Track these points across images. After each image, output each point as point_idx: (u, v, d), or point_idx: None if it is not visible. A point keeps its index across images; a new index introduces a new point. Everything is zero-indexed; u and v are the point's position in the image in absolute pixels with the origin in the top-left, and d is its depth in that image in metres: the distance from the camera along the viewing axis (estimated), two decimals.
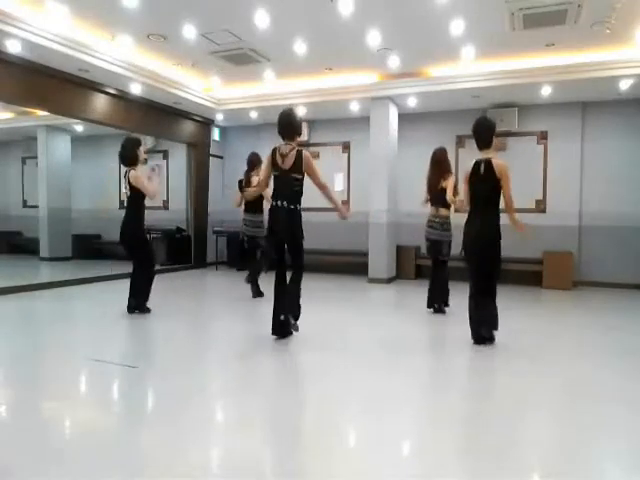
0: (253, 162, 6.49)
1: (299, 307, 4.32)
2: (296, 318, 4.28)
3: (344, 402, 2.99)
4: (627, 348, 4.31)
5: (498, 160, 4.05)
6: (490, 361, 4.02)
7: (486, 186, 4.02)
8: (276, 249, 4.27)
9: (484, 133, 4.17)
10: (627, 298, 7.00)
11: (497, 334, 4.29)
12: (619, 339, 4.63)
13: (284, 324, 4.23)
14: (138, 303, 5.26)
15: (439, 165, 5.45)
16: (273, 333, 4.25)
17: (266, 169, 4.33)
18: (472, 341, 4.23)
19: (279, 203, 4.11)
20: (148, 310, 5.29)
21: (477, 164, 4.08)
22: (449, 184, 5.31)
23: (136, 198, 5.16)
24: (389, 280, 8.30)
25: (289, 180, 4.11)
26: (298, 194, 4.17)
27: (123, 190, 5.21)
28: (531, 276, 7.89)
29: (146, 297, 5.31)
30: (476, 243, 4.08)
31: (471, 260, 4.18)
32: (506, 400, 3.08)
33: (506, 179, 3.99)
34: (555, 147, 8.14)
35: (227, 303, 6.50)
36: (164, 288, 7.64)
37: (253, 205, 6.29)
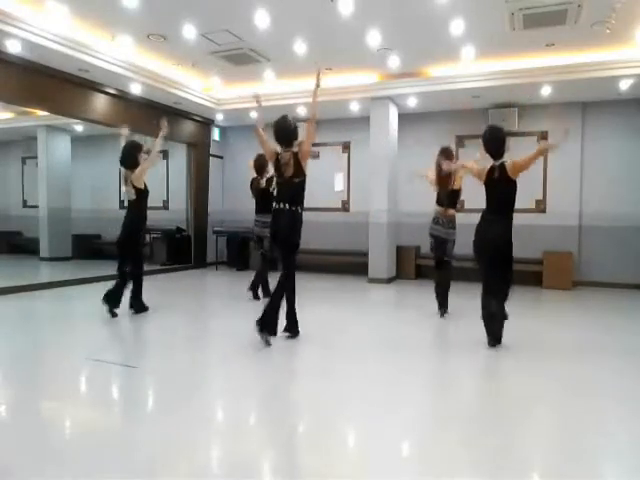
0: (262, 165, 6.35)
1: (276, 324, 4.22)
2: (274, 333, 4.21)
3: (345, 401, 2.99)
4: (627, 348, 4.31)
5: (511, 161, 4.07)
6: (490, 361, 4.02)
7: (502, 190, 4.08)
8: (276, 250, 4.42)
9: (495, 145, 4.14)
10: (627, 298, 7.00)
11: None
12: (619, 339, 4.63)
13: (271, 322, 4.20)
14: (136, 304, 5.35)
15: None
16: (257, 324, 4.12)
17: (267, 150, 4.47)
18: (485, 340, 4.20)
19: (281, 205, 4.27)
20: (115, 315, 5.19)
21: (492, 169, 4.13)
22: (460, 178, 5.27)
23: (139, 200, 5.22)
24: (389, 280, 8.30)
25: (291, 186, 4.30)
26: (299, 197, 4.33)
27: (123, 192, 5.21)
28: (531, 276, 7.88)
29: (119, 300, 5.20)
30: (492, 244, 4.09)
31: (484, 261, 4.18)
32: (506, 400, 3.08)
33: (520, 164, 4.00)
34: None
35: (227, 303, 6.50)
36: (164, 288, 7.64)
37: (264, 206, 6.27)
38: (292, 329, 4.46)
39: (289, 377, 3.59)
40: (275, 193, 4.45)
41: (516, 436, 2.53)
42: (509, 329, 4.65)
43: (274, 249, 4.44)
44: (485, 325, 4.22)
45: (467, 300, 6.30)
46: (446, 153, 5.32)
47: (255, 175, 6.42)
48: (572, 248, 7.94)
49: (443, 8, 5.23)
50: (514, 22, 5.55)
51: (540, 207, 8.20)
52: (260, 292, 6.29)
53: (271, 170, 6.01)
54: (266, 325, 4.11)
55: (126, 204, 5.38)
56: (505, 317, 4.24)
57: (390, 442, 2.45)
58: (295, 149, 4.32)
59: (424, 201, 8.45)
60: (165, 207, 10.86)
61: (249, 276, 8.87)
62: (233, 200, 10.59)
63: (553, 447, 2.42)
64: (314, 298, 6.46)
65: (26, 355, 3.93)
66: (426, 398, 3.13)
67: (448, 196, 5.31)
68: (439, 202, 5.40)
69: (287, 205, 4.24)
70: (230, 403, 3.04)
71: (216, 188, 10.48)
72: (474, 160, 4.54)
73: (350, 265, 9.12)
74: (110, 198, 11.57)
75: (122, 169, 5.32)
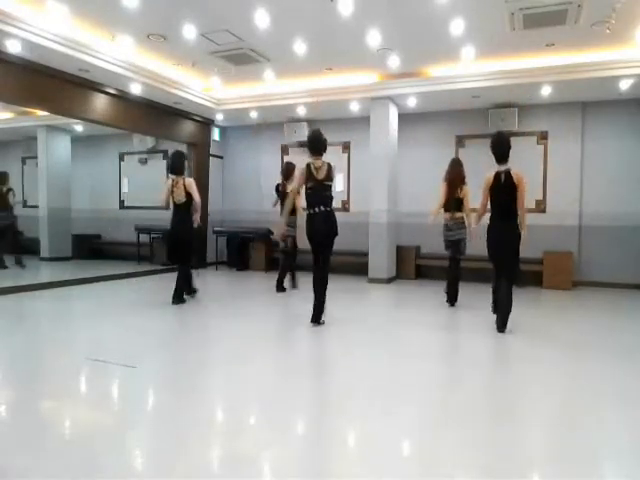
0: (289, 171, 6.91)
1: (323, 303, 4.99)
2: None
3: (344, 401, 2.99)
4: (628, 348, 4.31)
5: (516, 170, 4.59)
6: (491, 361, 4.03)
7: (507, 194, 4.56)
8: (316, 250, 4.91)
9: (502, 149, 4.61)
10: (627, 298, 6.99)
11: (497, 337, 4.51)
12: (620, 339, 4.63)
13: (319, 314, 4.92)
14: (189, 291, 6.21)
15: (458, 176, 5.90)
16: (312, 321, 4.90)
17: (301, 178, 4.94)
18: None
19: (317, 209, 4.79)
20: (190, 295, 6.23)
21: (498, 175, 4.59)
22: (467, 195, 5.87)
23: (189, 203, 5.85)
24: (389, 280, 8.30)
25: (323, 188, 4.84)
26: (331, 198, 4.89)
27: (176, 196, 5.84)
28: (531, 276, 7.88)
29: (190, 287, 6.23)
30: (504, 244, 4.60)
31: (499, 259, 4.69)
32: (506, 400, 3.08)
33: (523, 186, 4.56)
34: (555, 147, 8.14)
35: (227, 303, 6.49)
36: (165, 287, 7.64)
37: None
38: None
39: (290, 376, 3.58)
40: (306, 198, 4.91)
41: (516, 436, 2.53)
42: (510, 329, 4.66)
43: (315, 251, 4.91)
44: (495, 310, 4.83)
45: (473, 298, 6.33)
46: (457, 165, 5.99)
47: (282, 180, 6.94)
48: (572, 248, 7.94)
49: (443, 8, 5.22)
50: (514, 22, 5.55)
51: (540, 207, 8.20)
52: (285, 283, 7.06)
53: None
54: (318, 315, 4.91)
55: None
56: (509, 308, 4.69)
57: (391, 441, 2.45)
58: (326, 160, 4.93)
59: (424, 201, 8.48)
60: (165, 207, 10.84)
61: (249, 276, 8.92)
62: (233, 200, 10.60)
63: (553, 447, 2.42)
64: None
65: (26, 355, 3.93)
66: (426, 398, 3.12)
67: (454, 203, 5.87)
68: (446, 209, 5.95)
69: (322, 207, 4.79)
70: (228, 403, 3.04)
71: (216, 188, 10.48)
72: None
73: (350, 265, 9.12)
74: (110, 198, 11.57)
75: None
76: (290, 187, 6.67)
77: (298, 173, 5.15)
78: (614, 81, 6.81)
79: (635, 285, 7.69)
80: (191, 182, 5.87)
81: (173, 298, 5.91)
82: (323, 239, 4.84)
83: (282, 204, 6.77)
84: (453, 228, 5.90)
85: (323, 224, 4.79)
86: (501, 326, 4.63)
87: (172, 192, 5.82)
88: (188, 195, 5.81)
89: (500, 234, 4.61)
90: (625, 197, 7.79)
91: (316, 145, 4.92)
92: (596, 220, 7.97)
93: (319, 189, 4.82)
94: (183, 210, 5.86)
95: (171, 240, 6.07)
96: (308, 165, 4.87)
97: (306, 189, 4.88)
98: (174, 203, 5.87)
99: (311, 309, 4.90)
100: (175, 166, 5.90)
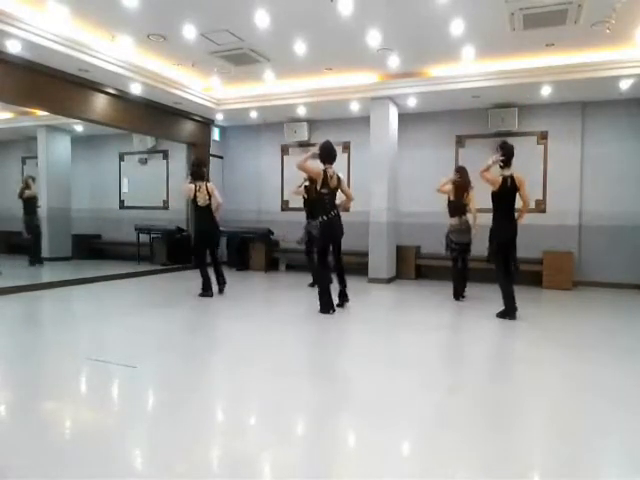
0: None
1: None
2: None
3: (342, 403, 2.99)
4: (628, 348, 4.31)
5: (517, 174, 5.19)
6: (492, 362, 4.03)
7: (511, 196, 5.18)
8: (327, 247, 5.56)
9: (507, 155, 5.15)
10: (627, 298, 6.99)
11: (497, 339, 4.62)
12: (620, 340, 4.63)
13: (333, 301, 5.59)
14: (223, 285, 6.73)
15: (464, 181, 6.28)
16: (329, 311, 5.53)
17: (316, 174, 5.50)
18: (497, 314, 5.28)
19: (332, 213, 5.47)
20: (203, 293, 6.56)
21: (505, 179, 5.14)
22: (472, 199, 6.30)
23: (210, 205, 6.43)
24: (389, 280, 8.30)
25: (334, 196, 5.55)
26: (336, 204, 5.63)
27: (200, 199, 6.42)
28: (531, 276, 7.87)
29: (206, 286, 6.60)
30: (509, 239, 5.22)
31: (503, 252, 5.25)
32: (506, 400, 3.08)
33: (524, 186, 5.20)
34: (555, 147, 8.13)
35: (228, 303, 6.49)
36: (165, 288, 7.64)
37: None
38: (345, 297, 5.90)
39: (290, 377, 3.58)
40: (321, 202, 5.47)
41: (516, 436, 2.53)
42: (509, 330, 4.66)
43: (327, 247, 5.56)
44: (505, 303, 5.24)
45: (471, 298, 6.33)
46: (464, 172, 6.35)
47: (308, 184, 7.19)
48: (572, 248, 7.94)
49: (443, 8, 5.22)
50: (514, 22, 5.55)
51: (540, 207, 8.20)
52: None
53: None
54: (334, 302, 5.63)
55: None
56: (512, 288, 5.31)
57: (391, 441, 2.45)
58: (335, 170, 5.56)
59: (424, 201, 8.48)
60: (165, 207, 10.86)
61: (249, 276, 8.92)
62: (233, 200, 10.59)
63: (553, 447, 2.42)
64: (316, 296, 6.45)
65: (26, 355, 3.93)
66: (426, 399, 3.12)
67: (461, 207, 6.27)
68: (453, 214, 6.32)
69: (335, 211, 5.48)
70: (228, 404, 3.04)
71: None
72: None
73: (350, 265, 9.08)
74: (110, 198, 11.57)
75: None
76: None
77: (316, 167, 5.59)
78: (614, 81, 6.81)
79: (635, 285, 7.69)
80: (213, 186, 6.53)
81: (221, 284, 6.65)
82: (339, 237, 5.59)
83: (306, 205, 7.37)
84: (464, 231, 6.27)
85: (339, 225, 5.51)
86: (512, 315, 5.19)
87: (195, 196, 6.36)
88: (210, 198, 6.40)
89: (507, 232, 5.21)
90: (625, 197, 7.79)
91: (329, 155, 5.50)
92: (596, 220, 7.97)
93: (332, 195, 5.47)
94: (206, 211, 6.43)
95: (201, 239, 6.61)
96: (324, 172, 5.43)
97: (321, 194, 5.46)
98: (197, 206, 6.43)
99: (317, 304, 5.53)
100: (197, 173, 6.48)
